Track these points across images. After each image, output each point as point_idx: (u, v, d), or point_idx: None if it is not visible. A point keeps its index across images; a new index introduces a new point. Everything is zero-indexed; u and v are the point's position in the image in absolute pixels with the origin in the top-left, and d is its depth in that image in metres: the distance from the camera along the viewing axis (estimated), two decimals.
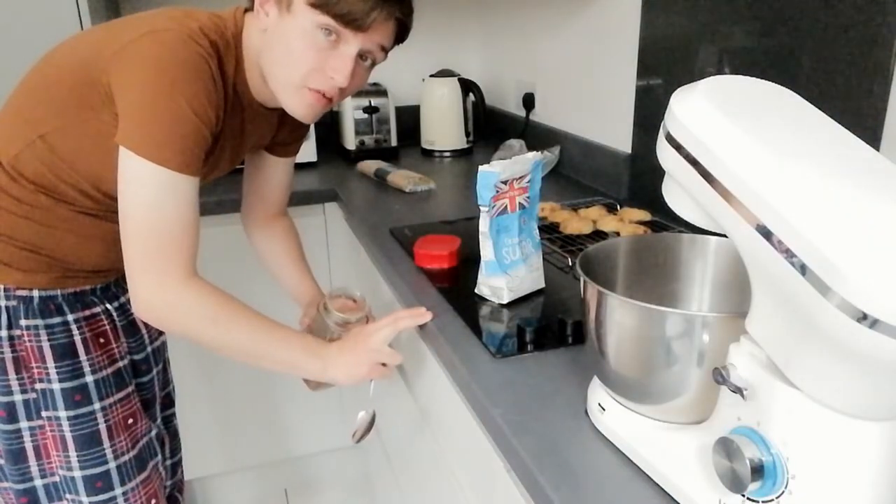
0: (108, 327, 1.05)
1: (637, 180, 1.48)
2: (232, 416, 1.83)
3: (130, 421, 1.07)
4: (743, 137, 0.50)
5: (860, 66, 0.94)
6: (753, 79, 0.57)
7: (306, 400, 1.87)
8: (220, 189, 1.65)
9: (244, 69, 0.96)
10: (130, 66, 0.84)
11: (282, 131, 1.15)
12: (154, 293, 0.87)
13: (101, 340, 1.03)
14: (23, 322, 0.96)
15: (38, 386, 0.98)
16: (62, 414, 0.99)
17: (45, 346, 0.97)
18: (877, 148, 0.92)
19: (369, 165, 1.82)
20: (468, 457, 0.94)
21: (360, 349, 0.96)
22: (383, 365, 0.97)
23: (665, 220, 1.31)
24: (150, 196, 0.85)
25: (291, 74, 0.92)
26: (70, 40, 0.96)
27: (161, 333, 1.20)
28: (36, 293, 0.97)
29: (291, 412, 1.88)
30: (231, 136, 1.01)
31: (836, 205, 0.44)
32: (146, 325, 1.14)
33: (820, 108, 0.55)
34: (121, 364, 1.06)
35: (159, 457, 1.15)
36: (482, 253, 0.99)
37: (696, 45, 1.25)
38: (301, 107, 0.95)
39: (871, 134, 0.93)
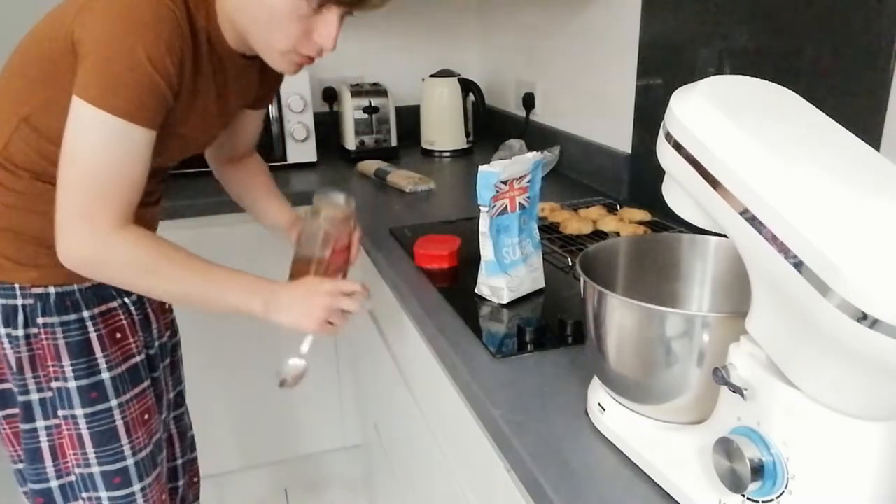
0: (124, 322, 1.04)
1: (637, 180, 1.48)
2: (232, 417, 1.83)
3: (146, 417, 1.07)
4: (743, 137, 0.50)
5: (860, 66, 0.94)
6: (753, 79, 0.57)
7: (306, 400, 1.87)
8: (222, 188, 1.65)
9: (217, 20, 0.94)
10: (91, 20, 0.83)
11: (262, 86, 1.13)
12: (84, 241, 0.85)
13: (118, 336, 1.03)
14: (40, 320, 0.96)
15: (53, 385, 0.98)
16: (78, 412, 0.99)
17: (61, 343, 0.97)
18: (877, 148, 0.92)
19: (369, 165, 1.82)
20: (468, 457, 0.94)
21: (316, 295, 0.95)
22: (331, 324, 0.96)
23: (665, 220, 1.31)
24: (95, 143, 0.84)
25: (279, 42, 0.91)
26: (42, 19, 0.95)
27: (168, 329, 1.20)
28: (52, 290, 0.97)
29: (291, 412, 1.88)
30: (214, 92, 0.99)
31: (836, 205, 0.44)
32: (157, 319, 1.14)
33: (820, 108, 0.55)
34: (137, 359, 1.06)
35: (164, 453, 1.15)
36: (482, 253, 0.99)
37: (696, 45, 1.25)
38: (289, 67, 0.96)
39: (871, 134, 0.93)
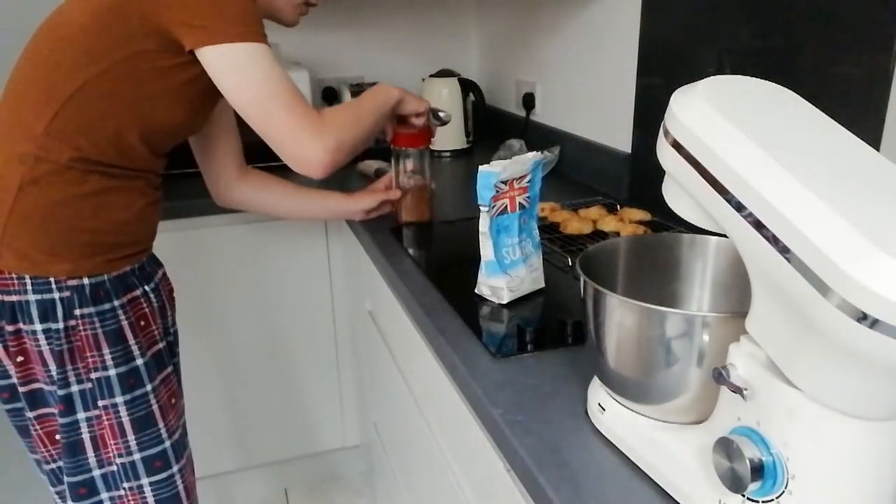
0: (147, 310, 1.07)
1: (637, 180, 1.48)
2: (231, 417, 1.83)
3: (173, 400, 1.10)
4: (743, 137, 0.50)
5: (860, 66, 0.94)
6: (753, 79, 0.58)
7: (306, 400, 1.87)
8: None
9: None
10: None
11: None
12: (321, 141, 0.99)
13: (142, 323, 1.06)
14: (77, 311, 0.97)
15: (93, 375, 1.00)
16: (119, 399, 1.01)
17: (100, 332, 0.99)
18: (877, 148, 0.92)
19: (369, 165, 1.82)
20: (468, 457, 0.94)
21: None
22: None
23: (665, 220, 1.31)
24: (262, 72, 0.95)
25: None
26: (69, 1, 0.97)
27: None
28: (86, 281, 0.98)
29: (291, 412, 1.88)
30: None
31: (837, 204, 0.44)
32: (171, 307, 1.18)
33: (820, 108, 0.55)
34: (160, 345, 1.09)
35: (188, 436, 1.18)
36: (482, 253, 0.99)
37: (696, 45, 1.25)
38: (296, 16, 1.13)
39: (871, 134, 0.93)
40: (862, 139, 0.52)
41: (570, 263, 1.15)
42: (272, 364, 1.82)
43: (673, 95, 0.56)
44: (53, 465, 1.07)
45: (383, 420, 1.54)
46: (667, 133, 0.56)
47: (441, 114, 1.33)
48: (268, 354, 1.81)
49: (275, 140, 0.99)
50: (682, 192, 0.57)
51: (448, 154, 2.07)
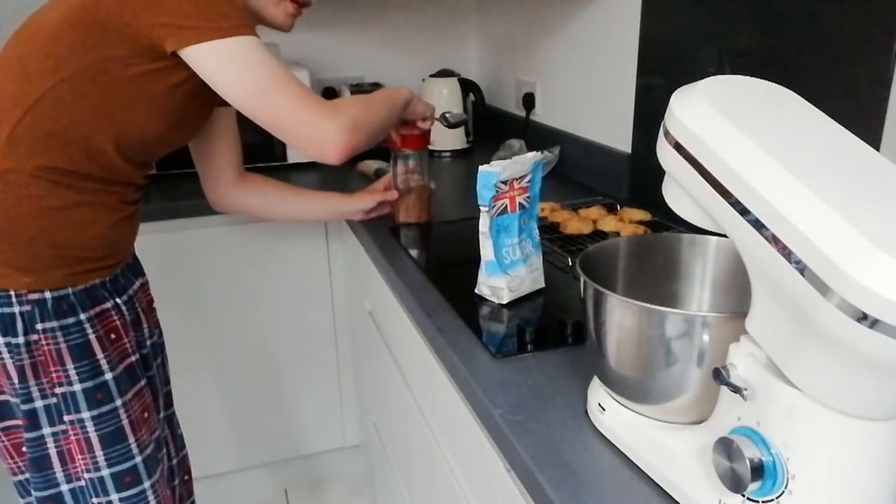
0: (118, 323, 1.04)
1: (637, 180, 1.48)
2: (232, 417, 1.83)
3: (146, 415, 1.07)
4: (743, 137, 0.50)
5: (860, 66, 0.94)
6: (753, 79, 0.58)
7: (306, 400, 1.87)
8: None
9: None
10: None
11: None
12: (336, 124, 0.96)
13: (113, 336, 1.03)
14: (39, 326, 0.95)
15: (57, 390, 0.97)
16: (85, 415, 0.99)
17: (63, 347, 0.96)
18: (877, 148, 0.92)
19: (369, 165, 1.82)
20: (468, 457, 0.94)
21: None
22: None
23: (665, 220, 1.31)
24: (257, 63, 0.92)
25: None
26: (42, 8, 0.95)
27: (157, 327, 1.20)
28: (48, 294, 0.95)
29: (291, 412, 1.88)
30: None
31: (837, 204, 0.44)
32: (147, 319, 1.15)
33: (820, 108, 0.55)
34: (133, 359, 1.06)
35: (164, 451, 1.16)
36: (482, 253, 0.99)
37: (696, 45, 1.25)
38: (283, 16, 1.09)
39: (871, 134, 0.93)
40: (862, 139, 0.52)
41: (570, 263, 1.15)
42: (272, 364, 1.82)
43: (673, 95, 0.56)
44: (21, 477, 1.04)
45: (383, 420, 1.54)
46: (667, 133, 0.56)
47: (449, 115, 1.33)
48: (268, 354, 1.81)
49: (286, 129, 0.95)
50: (682, 192, 0.57)
51: (448, 154, 2.07)
